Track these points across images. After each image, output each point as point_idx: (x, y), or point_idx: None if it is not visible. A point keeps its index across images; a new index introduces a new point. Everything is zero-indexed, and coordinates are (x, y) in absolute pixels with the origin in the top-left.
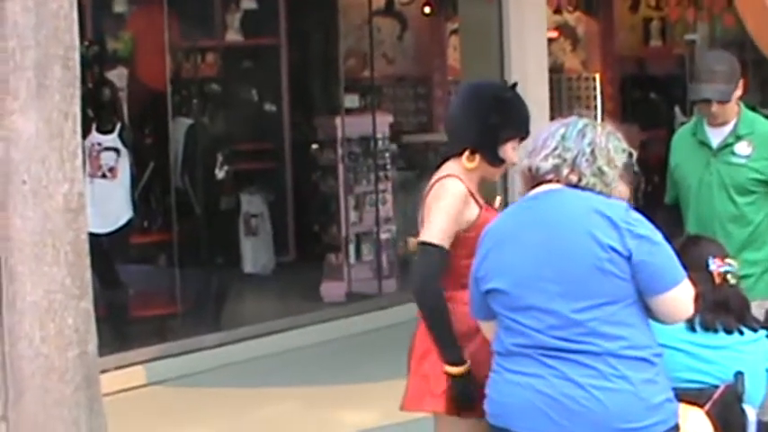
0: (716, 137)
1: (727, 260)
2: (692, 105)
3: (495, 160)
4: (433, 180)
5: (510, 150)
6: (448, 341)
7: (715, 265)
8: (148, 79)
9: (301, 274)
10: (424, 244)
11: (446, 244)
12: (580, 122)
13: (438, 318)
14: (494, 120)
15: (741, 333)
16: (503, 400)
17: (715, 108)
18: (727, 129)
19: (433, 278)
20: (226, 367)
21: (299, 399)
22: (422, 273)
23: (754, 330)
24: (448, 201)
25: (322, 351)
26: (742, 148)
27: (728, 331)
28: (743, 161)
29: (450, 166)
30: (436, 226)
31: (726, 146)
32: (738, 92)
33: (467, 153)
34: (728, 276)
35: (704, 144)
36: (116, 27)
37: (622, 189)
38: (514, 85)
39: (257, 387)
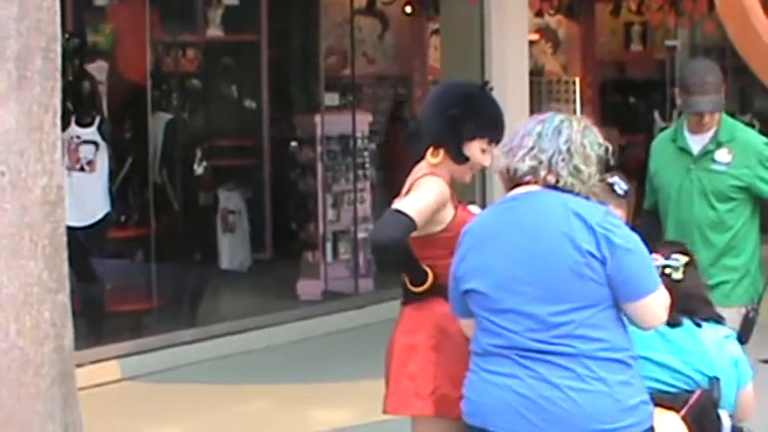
0: (696, 144)
1: (674, 256)
2: (671, 111)
3: (459, 157)
4: (413, 177)
5: (476, 150)
6: (414, 269)
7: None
8: (129, 73)
9: (278, 271)
10: (398, 211)
11: (418, 222)
12: (556, 119)
13: (404, 261)
14: (452, 112)
15: (698, 325)
16: (479, 400)
17: (707, 118)
18: (708, 136)
19: (400, 241)
20: (201, 363)
21: (274, 396)
22: (392, 236)
23: (717, 322)
24: (434, 191)
25: (298, 349)
26: (722, 155)
27: (676, 324)
28: (723, 168)
29: (423, 165)
30: (416, 203)
31: (706, 153)
32: (723, 97)
33: (431, 148)
34: (667, 270)
35: (684, 151)
36: (97, 20)
37: (620, 213)
38: (485, 83)
39: (232, 384)
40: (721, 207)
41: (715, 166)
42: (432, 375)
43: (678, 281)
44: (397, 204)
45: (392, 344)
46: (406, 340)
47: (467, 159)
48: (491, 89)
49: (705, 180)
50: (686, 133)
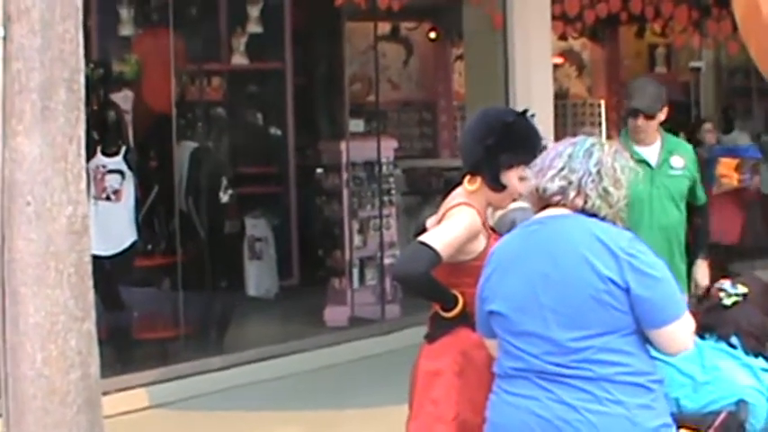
0: (650, 155)
1: (738, 285)
2: (696, 131)
3: (496, 185)
4: (447, 205)
5: (514, 178)
6: (442, 297)
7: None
8: (154, 102)
9: (305, 298)
10: (424, 244)
11: (444, 255)
12: (587, 142)
13: (428, 292)
14: (490, 141)
15: (732, 346)
16: (500, 422)
17: (640, 122)
18: (657, 147)
19: (422, 275)
20: (228, 391)
21: (301, 423)
22: (414, 269)
23: (756, 355)
24: (464, 224)
25: (325, 375)
26: (676, 161)
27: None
28: (680, 172)
29: (459, 192)
30: (443, 237)
31: (663, 161)
32: (662, 116)
33: (468, 175)
34: (721, 294)
35: (642, 162)
36: (122, 49)
37: None
38: (524, 111)
39: (259, 411)
40: (682, 208)
41: (673, 172)
42: (454, 401)
43: (725, 306)
44: (425, 236)
45: (416, 369)
46: (430, 366)
47: (504, 187)
48: (533, 116)
49: (669, 185)
50: (635, 148)
